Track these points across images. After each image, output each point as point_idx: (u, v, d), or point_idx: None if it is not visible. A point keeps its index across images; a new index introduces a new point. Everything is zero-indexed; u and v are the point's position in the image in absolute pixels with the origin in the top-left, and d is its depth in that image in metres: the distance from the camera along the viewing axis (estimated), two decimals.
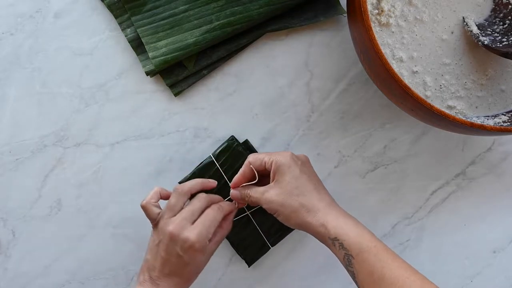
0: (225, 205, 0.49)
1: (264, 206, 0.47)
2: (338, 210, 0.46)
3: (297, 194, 0.45)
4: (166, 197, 0.48)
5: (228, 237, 0.54)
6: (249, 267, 0.54)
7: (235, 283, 0.56)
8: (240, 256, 0.54)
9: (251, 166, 0.48)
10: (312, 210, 0.45)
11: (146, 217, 0.47)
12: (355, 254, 0.42)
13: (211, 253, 0.47)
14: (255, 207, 0.53)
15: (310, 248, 0.56)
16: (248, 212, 0.53)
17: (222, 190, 0.53)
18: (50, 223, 0.55)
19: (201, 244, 0.44)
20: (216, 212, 0.47)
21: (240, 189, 0.49)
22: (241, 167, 0.51)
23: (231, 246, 0.55)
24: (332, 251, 0.44)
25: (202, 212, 0.47)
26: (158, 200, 0.48)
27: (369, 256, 0.42)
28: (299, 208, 0.45)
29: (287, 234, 0.54)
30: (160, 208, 0.47)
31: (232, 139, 0.54)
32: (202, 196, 0.48)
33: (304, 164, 0.48)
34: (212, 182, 0.50)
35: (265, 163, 0.47)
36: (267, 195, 0.46)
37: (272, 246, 0.54)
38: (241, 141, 0.55)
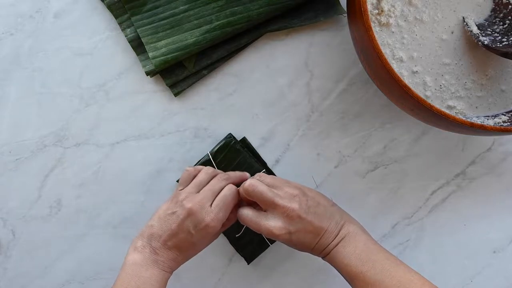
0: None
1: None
2: (337, 253, 0.45)
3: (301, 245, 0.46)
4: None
5: (227, 235, 0.54)
6: (248, 264, 0.54)
7: (235, 283, 0.56)
8: (240, 253, 0.54)
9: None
10: (319, 250, 0.46)
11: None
12: None
13: (215, 238, 0.48)
14: None
15: None
16: None
17: None
18: (50, 223, 0.55)
19: (216, 227, 0.45)
20: (233, 195, 0.47)
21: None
22: (238, 165, 0.52)
23: (231, 246, 0.55)
24: None
25: None
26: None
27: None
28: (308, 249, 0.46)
29: None
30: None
31: (230, 136, 0.54)
32: (223, 176, 0.48)
33: (301, 223, 0.44)
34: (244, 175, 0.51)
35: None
36: (280, 238, 0.45)
37: (271, 244, 0.54)
38: (239, 138, 0.55)
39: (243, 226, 0.53)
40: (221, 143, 0.54)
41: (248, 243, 0.54)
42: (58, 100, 0.55)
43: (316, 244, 0.45)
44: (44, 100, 0.55)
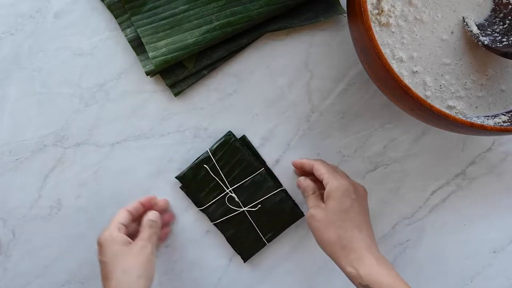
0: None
1: (307, 219, 0.47)
2: (376, 255, 0.44)
3: (339, 225, 0.45)
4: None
5: (224, 233, 0.54)
6: (244, 262, 0.55)
7: (235, 283, 0.56)
8: (236, 251, 0.55)
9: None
10: (348, 248, 0.44)
11: None
12: None
13: (142, 250, 0.46)
14: (251, 204, 0.54)
15: (310, 248, 0.56)
16: (244, 209, 0.54)
17: (218, 187, 0.53)
18: (50, 223, 0.55)
19: (104, 236, 0.46)
20: (125, 208, 0.49)
21: (309, 183, 0.50)
22: (237, 162, 0.53)
23: (230, 247, 0.55)
24: None
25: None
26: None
27: None
28: (335, 241, 0.45)
29: (282, 231, 0.55)
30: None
31: (230, 134, 0.54)
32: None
33: (359, 198, 0.47)
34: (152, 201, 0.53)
35: (322, 180, 0.48)
36: (313, 211, 0.47)
37: (268, 243, 0.54)
38: (239, 137, 0.55)
39: (242, 223, 0.54)
40: (221, 140, 0.54)
41: (244, 241, 0.54)
42: (58, 100, 0.55)
43: (356, 235, 0.45)
44: (44, 100, 0.55)
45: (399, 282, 0.42)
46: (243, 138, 0.55)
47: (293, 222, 0.55)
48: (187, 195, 0.55)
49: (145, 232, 0.48)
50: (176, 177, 0.54)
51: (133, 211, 0.50)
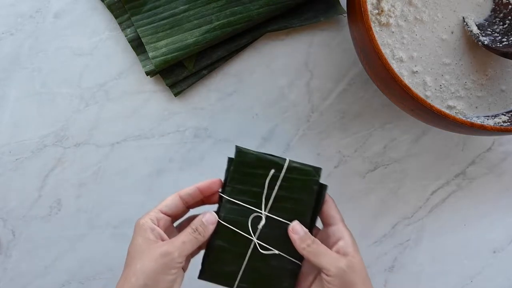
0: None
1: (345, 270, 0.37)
2: None
3: (368, 278, 0.39)
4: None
5: (213, 239, 0.41)
6: (198, 278, 0.43)
7: None
8: (202, 263, 0.43)
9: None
10: None
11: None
12: None
13: (163, 257, 0.37)
14: (266, 245, 0.41)
15: None
16: (255, 240, 0.41)
17: (258, 198, 0.41)
18: (50, 223, 0.55)
19: (138, 222, 0.38)
20: (178, 192, 0.40)
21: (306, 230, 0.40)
22: (296, 200, 0.41)
23: None
24: None
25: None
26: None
27: None
28: None
29: None
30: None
31: (318, 171, 0.41)
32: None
33: None
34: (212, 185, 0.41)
35: (332, 224, 0.40)
36: (352, 261, 0.38)
37: (232, 286, 0.42)
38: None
39: (234, 250, 0.41)
40: (305, 167, 0.41)
41: (221, 263, 0.42)
42: (58, 100, 0.55)
43: None
44: (44, 100, 0.55)
45: None
46: (323, 187, 0.42)
47: None
48: (226, 170, 0.42)
49: (183, 236, 0.38)
50: (237, 147, 0.42)
51: (186, 197, 0.40)
